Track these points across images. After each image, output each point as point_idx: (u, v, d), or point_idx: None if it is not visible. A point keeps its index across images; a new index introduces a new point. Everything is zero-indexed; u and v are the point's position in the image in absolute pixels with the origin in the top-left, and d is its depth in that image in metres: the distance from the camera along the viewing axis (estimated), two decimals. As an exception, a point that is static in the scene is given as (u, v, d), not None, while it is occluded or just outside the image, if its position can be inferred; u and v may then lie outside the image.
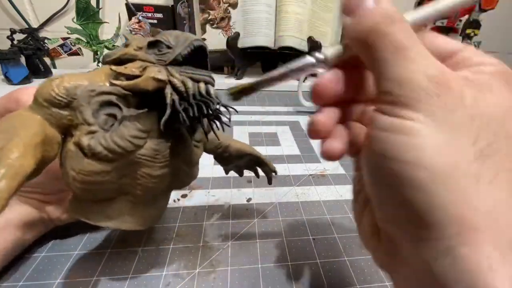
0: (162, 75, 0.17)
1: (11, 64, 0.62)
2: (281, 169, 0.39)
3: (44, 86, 0.16)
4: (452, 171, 0.10)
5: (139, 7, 0.77)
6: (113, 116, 0.17)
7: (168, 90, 0.17)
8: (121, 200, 0.19)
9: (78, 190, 0.18)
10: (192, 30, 0.79)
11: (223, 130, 0.21)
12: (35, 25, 0.79)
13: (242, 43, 0.74)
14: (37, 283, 0.22)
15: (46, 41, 0.71)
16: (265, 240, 0.27)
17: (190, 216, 0.30)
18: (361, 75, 0.15)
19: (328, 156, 0.15)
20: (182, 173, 0.21)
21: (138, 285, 0.23)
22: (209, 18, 0.77)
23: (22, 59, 0.65)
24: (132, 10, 0.75)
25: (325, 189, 0.36)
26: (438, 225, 0.10)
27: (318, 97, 0.15)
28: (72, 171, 0.17)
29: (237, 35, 0.74)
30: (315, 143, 0.48)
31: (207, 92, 0.18)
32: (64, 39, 0.77)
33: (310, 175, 0.39)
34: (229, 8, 0.76)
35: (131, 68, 0.17)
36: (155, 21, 0.80)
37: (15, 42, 0.66)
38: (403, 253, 0.13)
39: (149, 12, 0.78)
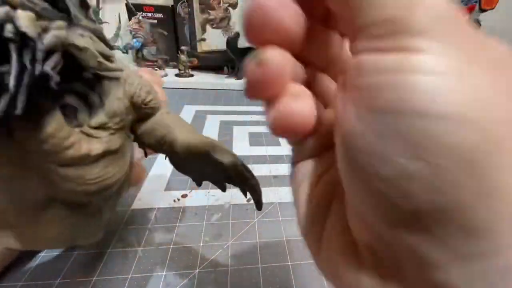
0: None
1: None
2: (281, 169, 0.39)
3: None
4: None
5: (139, 7, 0.77)
6: None
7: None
8: None
9: None
10: (192, 30, 0.79)
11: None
12: (35, 25, 0.79)
13: (242, 43, 0.74)
14: (37, 283, 0.22)
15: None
16: (265, 241, 0.27)
17: (190, 216, 0.30)
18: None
19: (287, 125, 0.10)
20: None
21: (138, 285, 0.23)
22: (209, 18, 0.77)
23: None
24: (132, 10, 0.75)
25: (325, 189, 0.36)
26: (497, 230, 0.06)
27: (258, 28, 0.09)
28: None
29: (237, 35, 0.74)
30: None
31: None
32: (64, 39, 0.77)
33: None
34: (229, 8, 0.76)
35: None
36: (155, 21, 0.80)
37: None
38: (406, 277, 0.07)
39: (149, 12, 0.78)
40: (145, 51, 0.79)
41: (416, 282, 0.07)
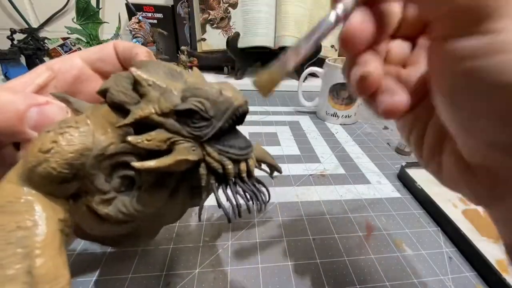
0: (197, 155, 0.14)
1: (11, 64, 0.62)
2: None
3: (37, 159, 0.12)
4: None
5: (139, 7, 0.77)
6: (129, 177, 0.15)
7: (203, 171, 0.15)
8: None
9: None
10: (192, 30, 0.79)
11: (262, 209, 0.18)
12: (35, 25, 0.79)
13: (242, 43, 0.74)
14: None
15: (46, 41, 0.71)
16: (265, 240, 0.27)
17: (190, 216, 0.30)
18: (388, 9, 0.13)
19: (393, 112, 0.13)
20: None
21: (138, 285, 0.22)
22: (209, 18, 0.77)
23: (22, 59, 0.65)
24: (132, 10, 0.75)
25: (325, 189, 0.36)
26: None
27: (351, 44, 0.13)
28: (88, 228, 0.16)
29: (237, 35, 0.74)
30: (315, 143, 0.48)
31: (249, 174, 0.16)
32: (64, 39, 0.77)
33: (310, 175, 0.39)
34: (229, 8, 0.76)
35: (156, 142, 0.13)
36: (155, 21, 0.80)
37: (15, 42, 0.66)
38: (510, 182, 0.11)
39: (149, 12, 0.78)
40: (145, 51, 0.79)
41: None
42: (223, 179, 0.15)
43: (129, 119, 0.13)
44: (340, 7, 0.12)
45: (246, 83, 0.74)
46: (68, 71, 0.19)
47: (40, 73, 0.18)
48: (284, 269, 0.25)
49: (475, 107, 0.10)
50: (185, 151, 0.14)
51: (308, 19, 0.76)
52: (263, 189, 0.17)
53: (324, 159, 0.43)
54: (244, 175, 0.15)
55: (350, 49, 0.13)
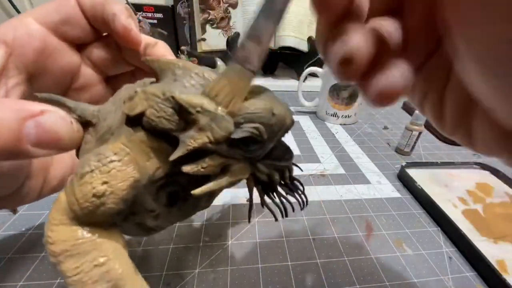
0: (248, 173, 0.14)
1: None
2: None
3: (93, 204, 0.12)
4: None
5: (139, 7, 0.77)
6: (175, 192, 0.15)
7: (251, 184, 0.16)
8: None
9: None
10: (192, 30, 0.79)
11: (305, 205, 0.18)
12: (35, 25, 0.79)
13: (242, 43, 0.74)
14: (37, 283, 0.22)
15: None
16: (265, 240, 0.27)
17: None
18: None
19: (389, 95, 0.10)
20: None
21: (138, 285, 0.22)
22: (209, 18, 0.77)
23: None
24: (132, 10, 0.75)
25: (325, 189, 0.36)
26: None
27: (325, 3, 0.10)
28: (132, 235, 0.17)
29: (237, 35, 0.74)
30: (315, 143, 0.48)
31: (291, 178, 0.16)
32: (64, 39, 0.78)
33: (310, 175, 0.39)
34: (229, 8, 0.76)
35: (211, 168, 0.13)
36: (155, 21, 0.80)
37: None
38: None
39: (149, 12, 0.78)
40: (145, 51, 0.79)
41: None
42: (269, 187, 0.16)
43: (182, 151, 0.12)
44: None
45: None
46: (27, 42, 0.14)
47: None
48: (284, 269, 0.25)
49: None
50: (239, 173, 0.14)
51: (308, 19, 0.76)
52: (300, 186, 0.18)
53: (324, 159, 0.43)
54: (288, 181, 0.16)
55: (323, 9, 0.10)
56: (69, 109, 0.14)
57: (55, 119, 0.12)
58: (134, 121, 0.13)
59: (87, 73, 0.19)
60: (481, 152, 0.12)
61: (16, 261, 0.23)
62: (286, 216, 0.17)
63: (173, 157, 0.12)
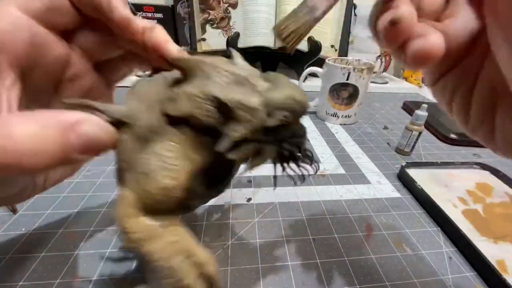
0: (275, 152, 0.17)
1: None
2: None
3: (165, 197, 0.14)
4: None
5: (139, 7, 0.77)
6: (213, 176, 0.18)
7: (276, 159, 0.18)
8: None
9: None
10: (192, 30, 0.79)
11: (317, 168, 0.21)
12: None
13: (242, 43, 0.74)
14: (37, 283, 0.22)
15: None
16: (265, 240, 0.27)
17: (190, 216, 0.30)
18: None
19: (426, 56, 0.11)
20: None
21: (138, 285, 0.22)
22: (209, 18, 0.77)
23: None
24: (132, 10, 0.75)
25: (325, 189, 0.36)
26: None
27: None
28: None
29: (237, 35, 0.74)
30: (315, 143, 0.48)
31: (304, 150, 0.19)
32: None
33: (310, 175, 0.39)
34: (229, 8, 0.76)
35: (249, 153, 0.16)
36: (155, 21, 0.80)
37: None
38: None
39: (149, 12, 0.79)
40: (145, 51, 0.79)
41: None
42: (289, 159, 0.18)
43: (228, 142, 0.14)
44: None
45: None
46: (15, 34, 0.13)
47: None
48: (284, 269, 0.25)
49: None
50: (270, 154, 0.16)
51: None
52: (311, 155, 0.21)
53: (324, 159, 0.43)
54: (302, 152, 0.18)
55: None
56: (99, 111, 0.15)
57: (92, 127, 0.12)
58: (176, 119, 0.15)
59: (77, 61, 0.18)
60: (501, 150, 0.13)
61: (16, 261, 0.24)
62: (304, 180, 0.20)
63: (221, 148, 0.14)
